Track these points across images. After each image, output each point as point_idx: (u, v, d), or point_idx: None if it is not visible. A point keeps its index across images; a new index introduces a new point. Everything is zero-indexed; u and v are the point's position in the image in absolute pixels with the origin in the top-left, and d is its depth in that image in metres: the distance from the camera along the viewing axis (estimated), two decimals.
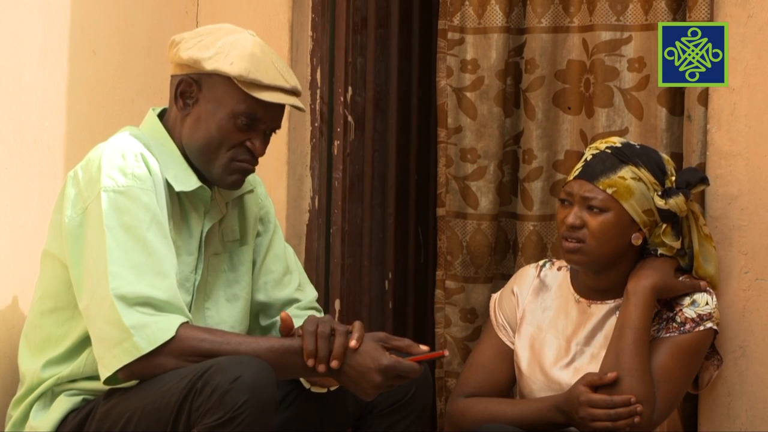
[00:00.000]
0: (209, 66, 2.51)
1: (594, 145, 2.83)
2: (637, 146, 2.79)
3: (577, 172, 2.78)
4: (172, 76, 2.59)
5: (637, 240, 2.76)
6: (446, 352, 2.48)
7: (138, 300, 2.38)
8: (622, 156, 2.75)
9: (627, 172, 2.73)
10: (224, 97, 2.52)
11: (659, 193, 2.75)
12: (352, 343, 2.39)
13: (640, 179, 2.73)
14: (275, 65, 2.55)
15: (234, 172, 2.56)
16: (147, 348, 2.36)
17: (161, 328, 2.37)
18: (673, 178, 2.77)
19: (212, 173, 2.56)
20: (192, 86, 2.54)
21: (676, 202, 2.74)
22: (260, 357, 2.38)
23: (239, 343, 2.42)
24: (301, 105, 2.58)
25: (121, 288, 2.38)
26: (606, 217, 2.73)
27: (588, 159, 2.78)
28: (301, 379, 2.60)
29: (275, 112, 2.57)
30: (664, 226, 2.76)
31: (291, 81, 2.56)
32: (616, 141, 2.80)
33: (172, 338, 2.37)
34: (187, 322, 2.41)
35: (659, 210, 2.75)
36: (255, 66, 2.51)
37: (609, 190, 2.72)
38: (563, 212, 2.77)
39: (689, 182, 2.76)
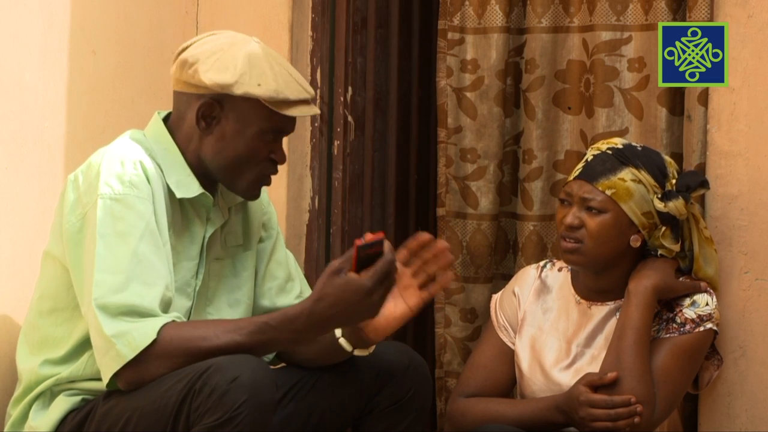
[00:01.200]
0: (239, 91, 2.50)
1: (595, 145, 2.83)
2: (639, 148, 2.79)
3: (577, 173, 2.78)
4: (180, 93, 2.57)
5: (635, 242, 2.75)
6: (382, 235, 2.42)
7: (120, 309, 2.37)
8: (623, 157, 2.75)
9: (627, 174, 2.73)
10: (250, 116, 2.53)
11: (659, 195, 2.74)
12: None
13: (639, 181, 2.73)
14: (293, 76, 2.56)
15: (259, 186, 2.60)
16: (130, 354, 2.35)
17: (141, 333, 2.36)
18: (674, 181, 2.77)
19: (238, 188, 2.58)
20: (214, 107, 2.54)
21: (676, 206, 2.74)
22: (241, 343, 2.36)
23: (217, 336, 2.39)
24: (317, 110, 2.64)
25: (103, 298, 2.38)
26: (604, 219, 2.73)
27: (588, 159, 2.78)
28: (342, 342, 2.56)
29: (295, 121, 2.61)
30: (664, 228, 2.76)
31: (309, 90, 2.59)
32: (618, 142, 2.80)
33: (154, 341, 2.36)
34: (169, 323, 2.39)
35: (659, 213, 2.75)
36: (279, 84, 2.52)
37: (608, 192, 2.72)
38: (562, 212, 2.77)
39: (689, 186, 2.76)
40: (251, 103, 2.52)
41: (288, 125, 2.59)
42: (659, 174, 2.76)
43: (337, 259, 2.40)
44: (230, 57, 2.53)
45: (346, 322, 2.44)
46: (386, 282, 2.38)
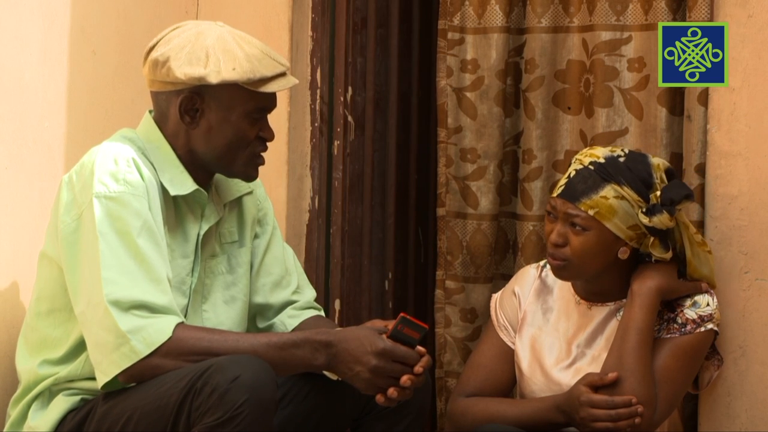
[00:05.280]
0: (214, 79, 2.51)
1: (578, 157, 2.78)
2: (622, 159, 2.73)
3: (560, 190, 2.74)
4: (158, 93, 2.57)
5: (624, 254, 2.73)
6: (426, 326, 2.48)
7: (132, 304, 2.38)
8: (605, 174, 2.71)
9: (609, 191, 2.70)
10: (232, 100, 2.54)
11: (643, 210, 2.71)
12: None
13: (623, 198, 2.69)
14: (265, 53, 2.57)
15: (255, 165, 2.61)
16: (145, 351, 2.37)
17: (157, 330, 2.38)
18: (659, 193, 2.73)
19: (234, 171, 2.60)
20: (195, 100, 2.54)
21: (661, 220, 2.70)
22: (259, 353, 2.38)
23: (237, 341, 2.42)
24: (295, 80, 2.63)
25: (114, 293, 2.38)
26: (588, 236, 2.70)
27: (571, 175, 2.74)
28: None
29: (275, 95, 2.62)
30: (652, 239, 2.74)
31: (284, 62, 2.60)
32: (600, 155, 2.74)
33: (169, 339, 2.38)
34: (182, 323, 2.41)
35: (645, 225, 2.72)
36: (253, 63, 2.53)
37: (590, 212, 2.69)
38: (549, 225, 2.76)
39: (673, 200, 2.72)
40: (230, 88, 2.53)
41: (270, 102, 2.60)
42: (643, 187, 2.71)
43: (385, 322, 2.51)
44: (200, 48, 2.53)
45: (347, 370, 2.44)
46: (398, 367, 2.43)
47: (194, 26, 2.60)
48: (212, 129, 2.56)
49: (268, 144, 2.62)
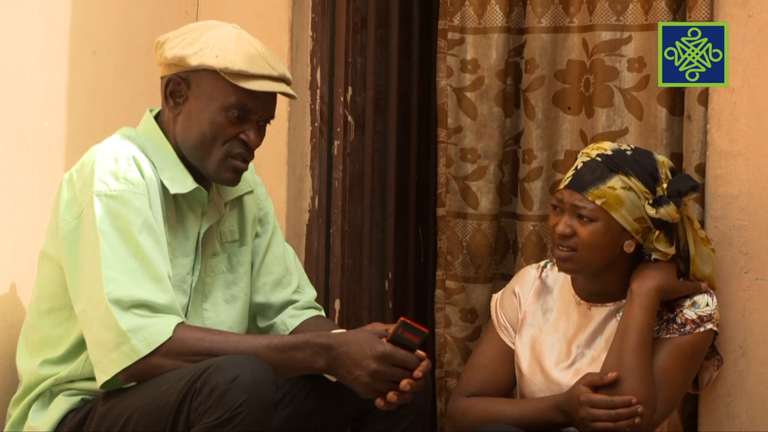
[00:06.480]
0: (194, 61, 2.50)
1: (585, 151, 2.80)
2: (629, 152, 2.76)
3: (567, 181, 2.76)
4: (161, 78, 2.59)
5: (629, 247, 2.74)
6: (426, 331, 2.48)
7: (133, 303, 2.38)
8: (612, 165, 2.72)
9: (617, 182, 2.71)
10: (213, 91, 2.52)
11: (650, 201, 2.72)
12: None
13: (630, 189, 2.71)
14: (261, 54, 2.54)
15: (230, 167, 2.56)
16: (145, 350, 2.37)
17: (158, 330, 2.38)
18: (665, 186, 2.74)
19: (208, 169, 2.56)
20: (180, 84, 2.54)
21: (667, 212, 2.72)
22: (259, 354, 2.38)
23: (238, 342, 2.42)
24: (291, 92, 2.57)
25: (115, 292, 2.38)
26: (595, 227, 2.71)
27: (578, 167, 2.76)
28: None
29: (266, 101, 2.56)
30: (657, 232, 2.74)
31: (278, 68, 2.55)
32: (607, 147, 2.77)
33: (170, 339, 2.38)
34: (183, 323, 2.41)
35: (651, 217, 2.73)
36: (240, 56, 2.51)
37: (598, 201, 2.70)
38: (554, 219, 2.76)
39: (680, 191, 2.73)
40: (212, 77, 2.51)
41: (255, 103, 2.53)
42: (650, 179, 2.73)
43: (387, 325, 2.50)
44: (197, 35, 2.54)
45: (346, 373, 2.44)
46: (398, 371, 2.42)
47: (212, 22, 2.61)
48: (191, 117, 2.54)
49: (254, 151, 2.57)
